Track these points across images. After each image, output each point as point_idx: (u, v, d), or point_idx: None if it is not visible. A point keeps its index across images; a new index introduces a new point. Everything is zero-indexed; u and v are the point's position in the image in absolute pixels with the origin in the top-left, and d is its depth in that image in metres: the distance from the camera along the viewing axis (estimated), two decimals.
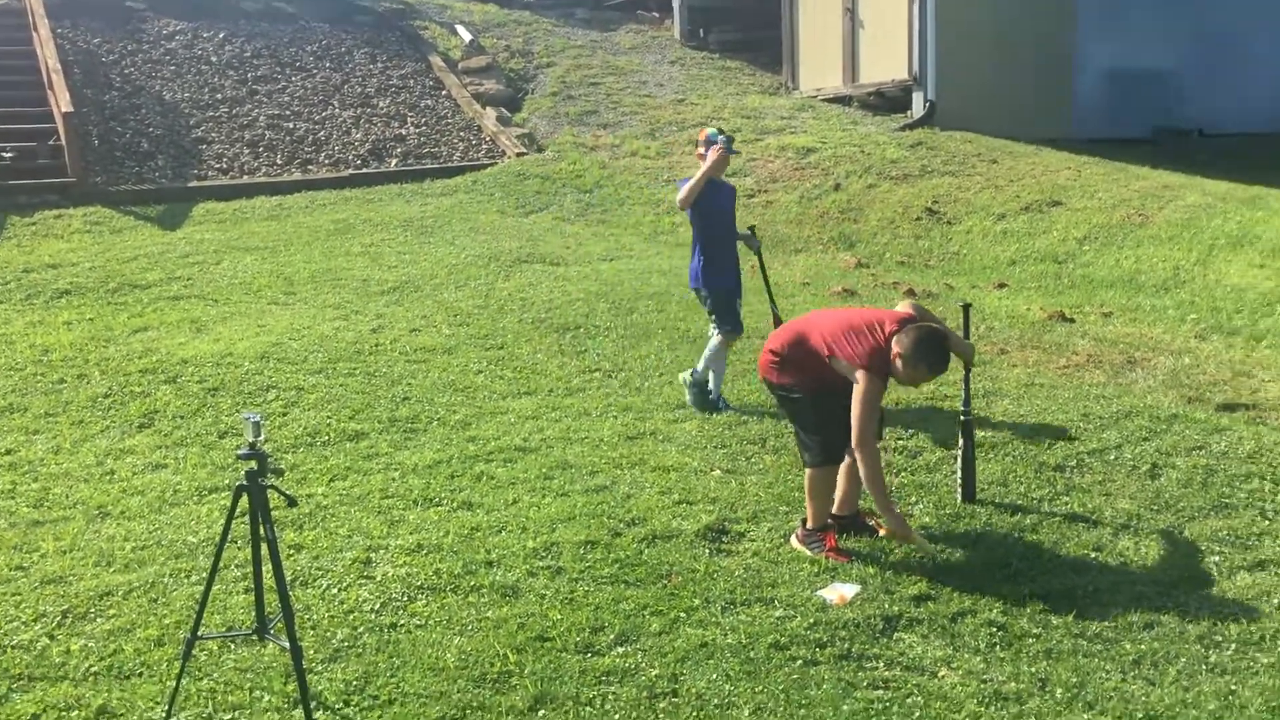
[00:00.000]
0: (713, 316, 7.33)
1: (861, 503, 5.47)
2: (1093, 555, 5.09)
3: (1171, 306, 9.66)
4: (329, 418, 7.02)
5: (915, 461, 6.20)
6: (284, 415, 7.08)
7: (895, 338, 4.92)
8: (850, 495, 5.42)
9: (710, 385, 7.26)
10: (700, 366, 7.27)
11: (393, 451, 6.53)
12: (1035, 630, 4.51)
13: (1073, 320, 9.17)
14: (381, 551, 5.25)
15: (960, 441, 5.67)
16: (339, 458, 6.44)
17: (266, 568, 4.02)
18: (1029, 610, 4.65)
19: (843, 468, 5.32)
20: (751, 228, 7.67)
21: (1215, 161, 15.21)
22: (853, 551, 5.19)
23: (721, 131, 7.31)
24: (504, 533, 5.41)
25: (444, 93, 16.85)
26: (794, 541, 5.29)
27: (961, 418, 5.72)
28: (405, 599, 4.81)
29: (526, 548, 5.22)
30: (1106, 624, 4.54)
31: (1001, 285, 10.50)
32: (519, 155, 14.91)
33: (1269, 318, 9.13)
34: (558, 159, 14.81)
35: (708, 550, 5.21)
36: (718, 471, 6.16)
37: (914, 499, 5.73)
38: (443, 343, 8.49)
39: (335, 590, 4.90)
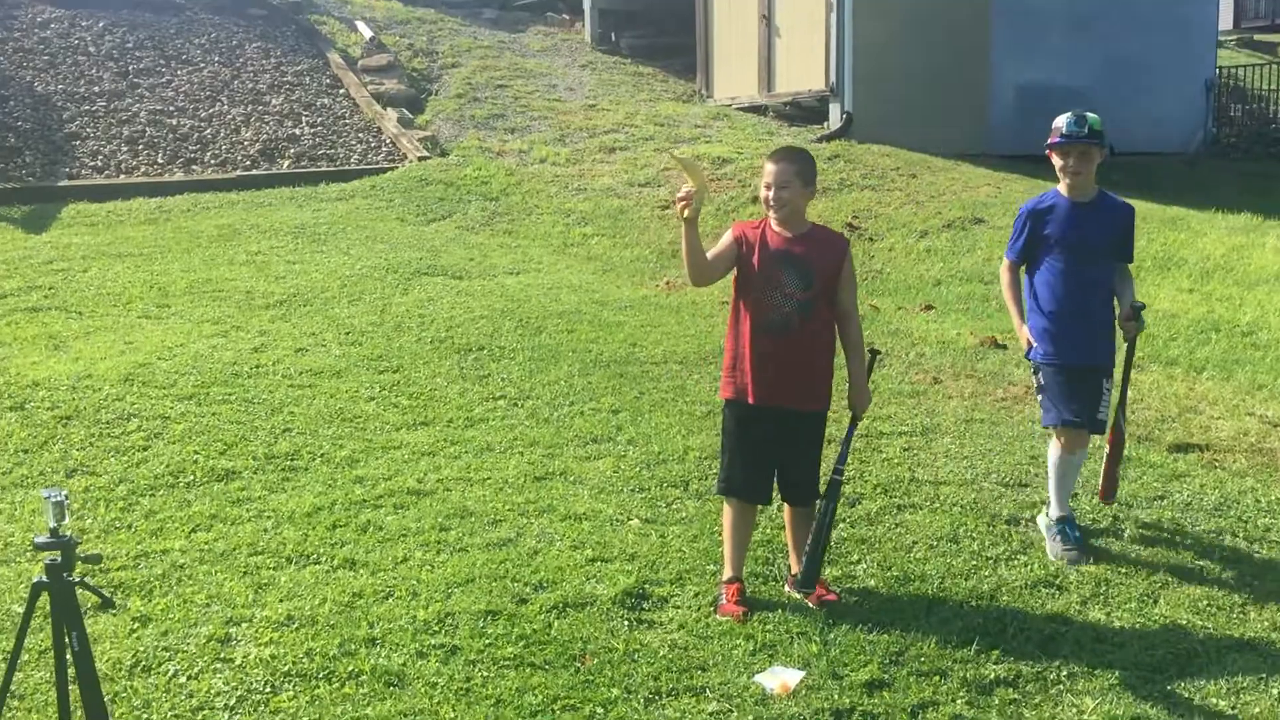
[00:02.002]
0: (1040, 397, 5.34)
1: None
2: (1062, 629, 4.50)
3: None
4: (196, 453, 6.19)
5: (854, 511, 5.59)
6: (144, 450, 6.23)
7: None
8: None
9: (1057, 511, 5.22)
10: (1053, 496, 5.26)
11: (267, 495, 5.73)
12: None
13: (1005, 347, 8.68)
14: (244, 625, 4.46)
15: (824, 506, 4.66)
16: (204, 503, 5.62)
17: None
18: (997, 700, 4.03)
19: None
20: (1139, 306, 5.20)
21: (1130, 181, 14.96)
22: (796, 620, 4.55)
23: (1082, 118, 5.23)
24: (390, 600, 4.66)
25: (342, 91, 15.94)
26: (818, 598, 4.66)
27: (834, 476, 4.68)
28: (268, 690, 4.03)
29: (416, 620, 4.48)
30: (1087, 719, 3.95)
31: (928, 307, 10.01)
32: (421, 159, 14.08)
33: (1205, 346, 8.76)
34: (462, 164, 14.01)
35: (627, 622, 4.52)
36: (636, 521, 5.49)
37: (855, 557, 5.11)
38: (331, 364, 7.70)
39: (184, 679, 4.09)
